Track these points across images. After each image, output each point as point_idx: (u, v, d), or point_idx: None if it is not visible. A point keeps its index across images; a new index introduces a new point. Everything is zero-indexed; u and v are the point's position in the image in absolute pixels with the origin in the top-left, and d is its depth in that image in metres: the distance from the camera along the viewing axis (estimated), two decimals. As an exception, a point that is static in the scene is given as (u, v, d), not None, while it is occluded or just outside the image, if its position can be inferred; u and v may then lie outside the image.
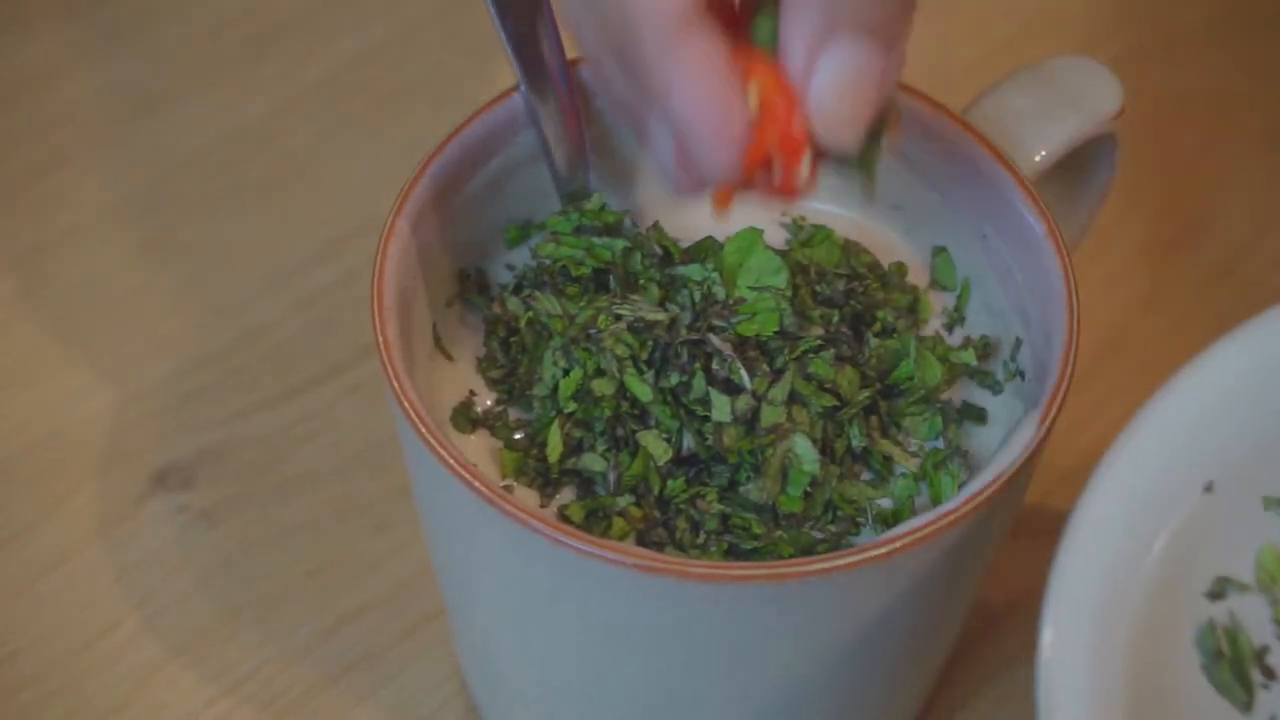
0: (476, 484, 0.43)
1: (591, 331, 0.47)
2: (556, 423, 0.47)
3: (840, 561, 0.42)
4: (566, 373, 0.47)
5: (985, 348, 0.49)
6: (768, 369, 0.46)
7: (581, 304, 0.48)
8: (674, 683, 0.46)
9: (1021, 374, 0.49)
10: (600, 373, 0.47)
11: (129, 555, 0.58)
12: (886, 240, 0.52)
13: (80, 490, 0.59)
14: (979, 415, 0.49)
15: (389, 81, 0.70)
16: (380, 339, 0.45)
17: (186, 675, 0.56)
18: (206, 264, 0.65)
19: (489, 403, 0.49)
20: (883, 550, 0.42)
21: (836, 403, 0.46)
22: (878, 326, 0.48)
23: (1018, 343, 0.49)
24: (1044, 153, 0.50)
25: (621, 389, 0.46)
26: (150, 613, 0.57)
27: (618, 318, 0.47)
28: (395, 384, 0.44)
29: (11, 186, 0.67)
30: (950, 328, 0.50)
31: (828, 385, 0.46)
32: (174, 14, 0.72)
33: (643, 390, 0.46)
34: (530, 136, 0.50)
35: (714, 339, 0.46)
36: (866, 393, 0.46)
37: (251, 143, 0.68)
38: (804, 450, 0.46)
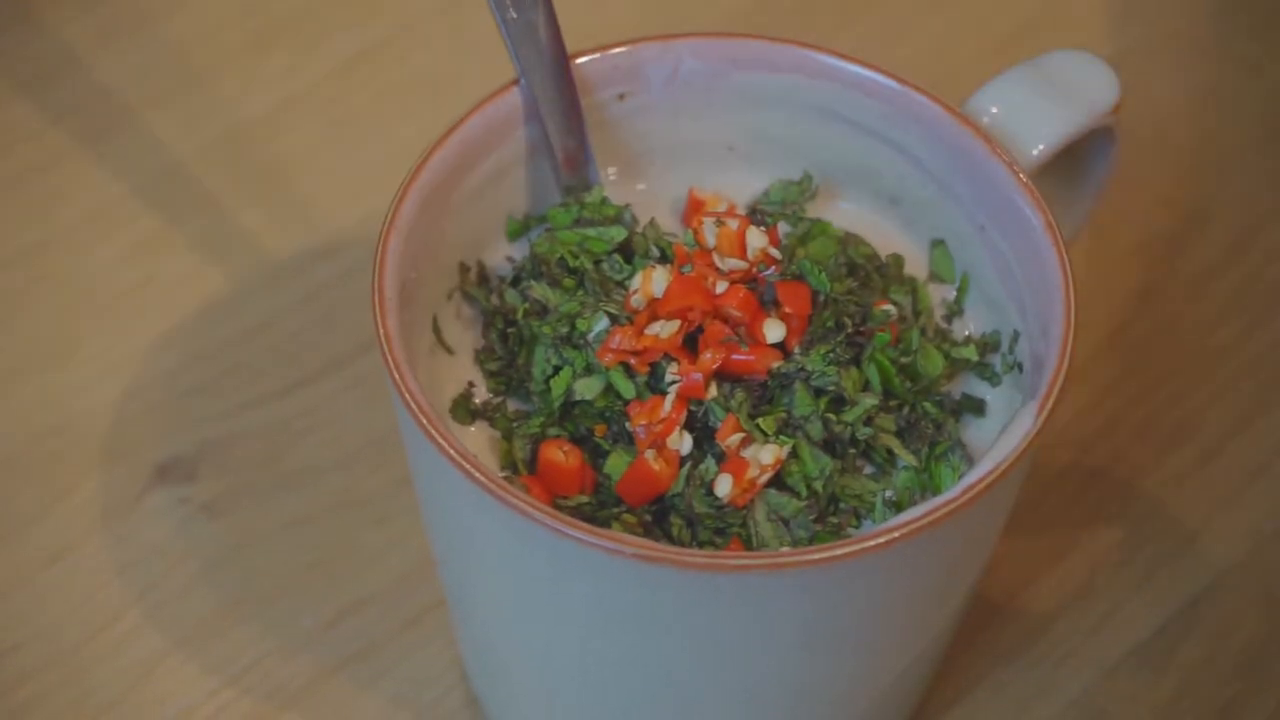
0: (476, 474, 0.43)
1: (575, 337, 0.47)
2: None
3: (838, 552, 0.42)
4: (557, 370, 0.47)
5: (986, 345, 0.50)
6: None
7: (574, 296, 0.48)
8: (673, 672, 0.47)
9: (1019, 366, 0.49)
10: (589, 370, 0.47)
11: (131, 548, 0.58)
12: (885, 233, 0.52)
13: (82, 483, 0.59)
14: (978, 407, 0.49)
15: (390, 78, 0.70)
16: (381, 331, 0.45)
17: (188, 667, 0.56)
18: (208, 259, 0.65)
19: (488, 394, 0.49)
20: (881, 540, 0.42)
21: (836, 416, 0.47)
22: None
23: (1015, 335, 0.49)
24: (1042, 146, 0.50)
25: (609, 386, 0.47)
26: (152, 605, 0.57)
27: (607, 314, 0.47)
28: (395, 375, 0.44)
29: (14, 181, 0.67)
30: (949, 319, 0.51)
31: (830, 388, 0.47)
32: (174, 11, 0.72)
33: (627, 388, 0.46)
34: (531, 130, 0.50)
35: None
36: (872, 400, 0.47)
37: (252, 139, 0.68)
38: (780, 501, 0.46)
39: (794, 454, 0.46)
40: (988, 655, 0.56)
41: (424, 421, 0.44)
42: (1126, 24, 0.73)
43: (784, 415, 0.46)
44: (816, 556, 0.42)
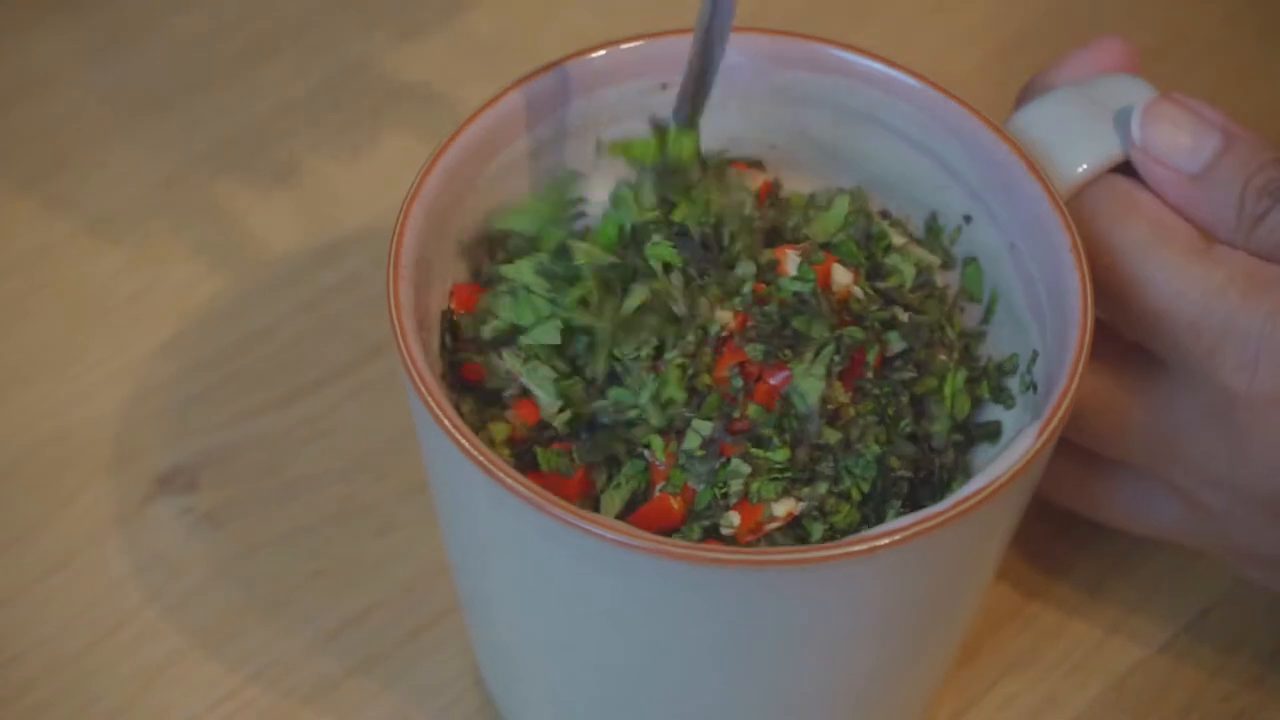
0: (487, 462, 0.43)
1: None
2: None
3: (823, 553, 0.42)
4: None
5: (1003, 370, 0.49)
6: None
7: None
8: (681, 668, 0.46)
9: (1034, 386, 0.48)
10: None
11: (133, 557, 0.58)
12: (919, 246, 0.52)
13: (85, 492, 0.59)
14: (993, 433, 0.48)
15: (392, 84, 0.70)
16: (396, 325, 0.45)
17: (191, 676, 0.56)
18: (210, 266, 0.65)
19: None
20: (863, 547, 0.42)
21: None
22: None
23: (1034, 355, 0.49)
24: (1085, 166, 0.50)
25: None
26: (155, 614, 0.57)
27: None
28: (409, 361, 0.44)
29: (15, 188, 0.67)
30: (973, 339, 0.50)
31: (870, 448, 0.46)
32: (176, 16, 0.72)
33: (660, 416, 0.47)
34: (562, 116, 0.50)
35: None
36: (909, 448, 0.47)
37: (254, 144, 0.68)
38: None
39: (824, 506, 0.46)
40: (995, 666, 0.56)
41: (439, 412, 0.43)
42: (1134, 28, 0.73)
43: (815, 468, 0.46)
44: (802, 556, 0.42)
